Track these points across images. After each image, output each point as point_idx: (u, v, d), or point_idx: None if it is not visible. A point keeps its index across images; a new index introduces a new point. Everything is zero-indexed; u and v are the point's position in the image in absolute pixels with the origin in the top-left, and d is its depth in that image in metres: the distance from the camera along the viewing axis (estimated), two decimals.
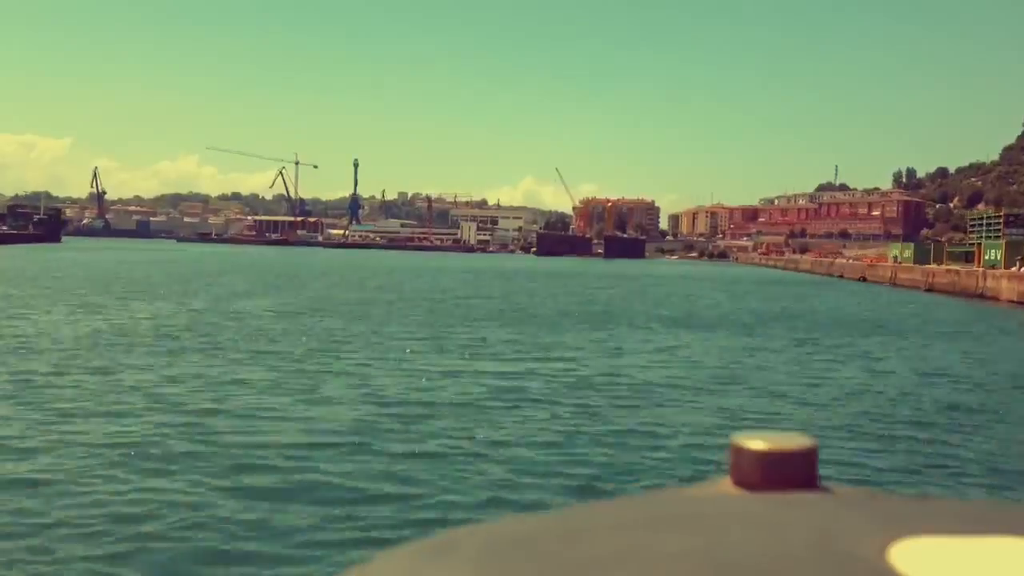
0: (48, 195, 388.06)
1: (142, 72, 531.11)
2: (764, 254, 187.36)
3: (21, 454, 11.15)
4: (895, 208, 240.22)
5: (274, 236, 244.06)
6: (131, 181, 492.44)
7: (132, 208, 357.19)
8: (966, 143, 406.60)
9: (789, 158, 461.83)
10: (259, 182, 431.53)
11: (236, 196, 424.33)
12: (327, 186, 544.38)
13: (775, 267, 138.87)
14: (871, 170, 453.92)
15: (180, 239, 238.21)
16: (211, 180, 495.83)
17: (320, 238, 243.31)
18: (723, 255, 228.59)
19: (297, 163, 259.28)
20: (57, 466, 10.61)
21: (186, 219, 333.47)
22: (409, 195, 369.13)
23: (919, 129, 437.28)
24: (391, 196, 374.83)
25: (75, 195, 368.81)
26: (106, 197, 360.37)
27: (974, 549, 0.45)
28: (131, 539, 8.25)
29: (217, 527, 8.59)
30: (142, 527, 8.58)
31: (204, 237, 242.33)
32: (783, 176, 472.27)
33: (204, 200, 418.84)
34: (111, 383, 16.23)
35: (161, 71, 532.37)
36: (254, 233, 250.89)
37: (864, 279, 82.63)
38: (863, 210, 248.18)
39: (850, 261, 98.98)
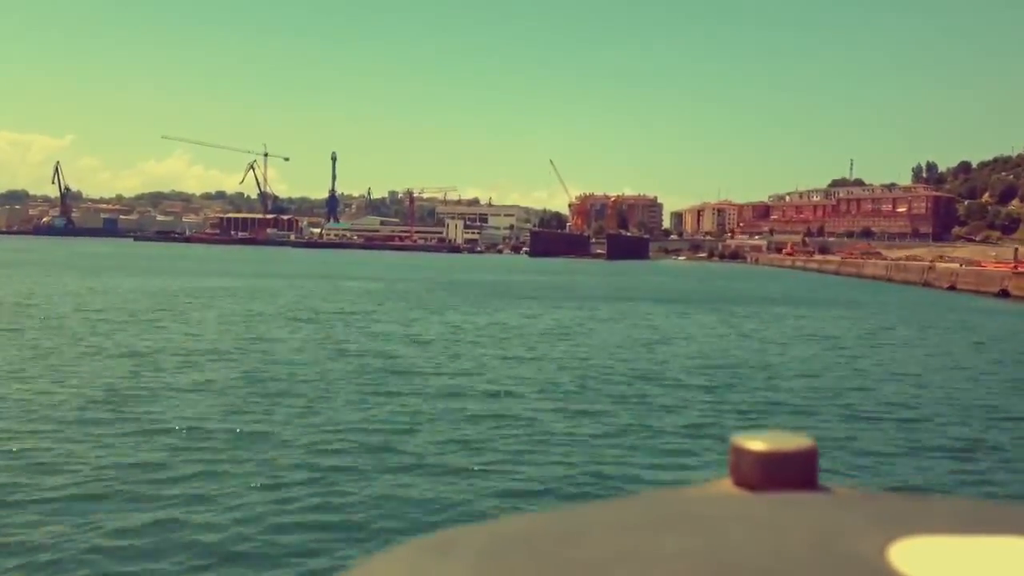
0: (26, 193, 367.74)
1: (139, 73, 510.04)
2: (790, 254, 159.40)
3: None
4: (923, 204, 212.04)
5: (242, 235, 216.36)
6: (116, 180, 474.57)
7: (105, 207, 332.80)
8: (982, 136, 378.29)
9: (798, 153, 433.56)
10: (247, 181, 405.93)
11: (220, 195, 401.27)
12: (316, 185, 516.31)
13: (818, 271, 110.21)
14: (887, 165, 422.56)
15: (138, 238, 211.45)
16: (197, 179, 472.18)
17: (292, 237, 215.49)
18: (735, 255, 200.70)
19: (266, 155, 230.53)
20: None
21: (159, 218, 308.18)
22: (399, 194, 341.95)
23: (935, 122, 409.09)
24: (380, 194, 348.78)
25: (55, 194, 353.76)
26: (85, 195, 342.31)
27: (974, 549, 0.43)
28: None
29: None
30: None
31: (165, 236, 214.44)
32: (793, 172, 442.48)
33: (186, 199, 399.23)
34: None
35: (159, 72, 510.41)
36: (218, 232, 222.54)
37: (1005, 293, 54.59)
38: (887, 206, 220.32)
39: (962, 267, 70.58)
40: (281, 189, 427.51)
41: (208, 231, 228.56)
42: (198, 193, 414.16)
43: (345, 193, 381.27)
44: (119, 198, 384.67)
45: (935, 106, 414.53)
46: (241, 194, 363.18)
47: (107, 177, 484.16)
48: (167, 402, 14.19)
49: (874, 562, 0.42)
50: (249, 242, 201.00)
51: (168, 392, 15.01)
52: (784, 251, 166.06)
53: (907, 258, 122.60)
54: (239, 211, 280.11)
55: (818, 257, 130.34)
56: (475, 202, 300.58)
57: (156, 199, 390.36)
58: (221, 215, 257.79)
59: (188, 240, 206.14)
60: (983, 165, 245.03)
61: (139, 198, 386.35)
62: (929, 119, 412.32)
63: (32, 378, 16.09)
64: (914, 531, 0.46)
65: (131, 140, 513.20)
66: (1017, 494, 10.31)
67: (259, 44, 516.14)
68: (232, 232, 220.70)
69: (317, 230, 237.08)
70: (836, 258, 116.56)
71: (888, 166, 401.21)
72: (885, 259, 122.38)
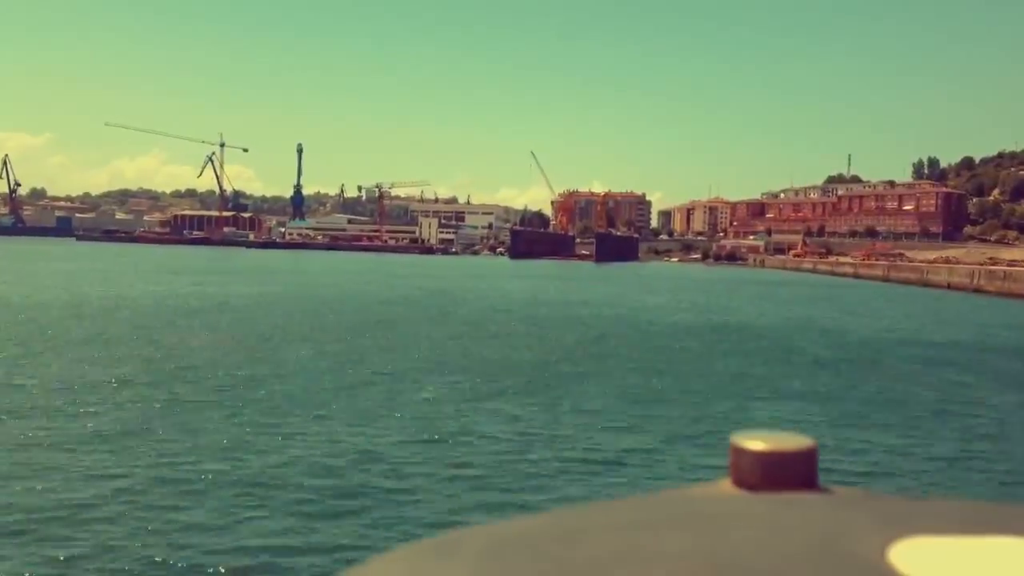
0: None
1: (120, 71, 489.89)
2: (799, 255, 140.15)
3: None
4: (932, 202, 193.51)
5: (196, 234, 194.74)
6: (90, 178, 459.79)
7: (65, 204, 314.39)
8: (981, 132, 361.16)
9: (791, 149, 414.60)
10: (206, 175, 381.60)
11: (191, 193, 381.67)
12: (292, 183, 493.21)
13: (853, 276, 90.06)
14: (885, 161, 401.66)
15: (80, 238, 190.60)
16: (173, 178, 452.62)
17: (252, 236, 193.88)
18: (732, 257, 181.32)
19: (222, 145, 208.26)
20: None
21: (119, 216, 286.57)
22: (377, 190, 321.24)
23: (931, 118, 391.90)
24: (354, 192, 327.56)
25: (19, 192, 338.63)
26: (52, 193, 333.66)
27: (974, 549, 0.43)
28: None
29: None
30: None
31: (110, 235, 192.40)
32: (786, 168, 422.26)
33: (154, 197, 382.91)
34: None
35: (141, 71, 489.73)
36: (168, 230, 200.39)
37: None
38: (892, 204, 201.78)
39: None
40: (256, 187, 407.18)
41: (158, 230, 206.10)
42: (168, 191, 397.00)
43: (322, 192, 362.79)
44: (86, 195, 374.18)
45: (931, 102, 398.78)
46: (213, 192, 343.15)
47: (83, 175, 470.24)
48: None
49: (874, 562, 0.41)
50: (203, 242, 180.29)
51: None
52: (792, 252, 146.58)
53: (939, 260, 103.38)
54: (208, 209, 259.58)
55: (852, 259, 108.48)
56: (453, 200, 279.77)
57: (123, 197, 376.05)
58: (178, 213, 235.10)
59: (135, 240, 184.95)
60: (986, 161, 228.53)
61: (105, 196, 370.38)
62: (925, 114, 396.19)
63: None
64: (914, 531, 0.45)
65: (109, 139, 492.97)
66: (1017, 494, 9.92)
67: (244, 43, 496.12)
68: (185, 231, 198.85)
69: (284, 229, 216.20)
70: (880, 262, 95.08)
71: (885, 162, 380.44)
72: (912, 260, 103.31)
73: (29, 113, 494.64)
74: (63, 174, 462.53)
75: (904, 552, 0.42)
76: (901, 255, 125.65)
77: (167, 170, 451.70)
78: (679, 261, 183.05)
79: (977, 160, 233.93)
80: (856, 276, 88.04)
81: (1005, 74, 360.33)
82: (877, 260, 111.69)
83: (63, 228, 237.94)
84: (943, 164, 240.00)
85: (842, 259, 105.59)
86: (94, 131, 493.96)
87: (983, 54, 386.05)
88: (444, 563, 0.43)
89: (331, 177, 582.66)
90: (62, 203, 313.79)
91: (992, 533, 0.45)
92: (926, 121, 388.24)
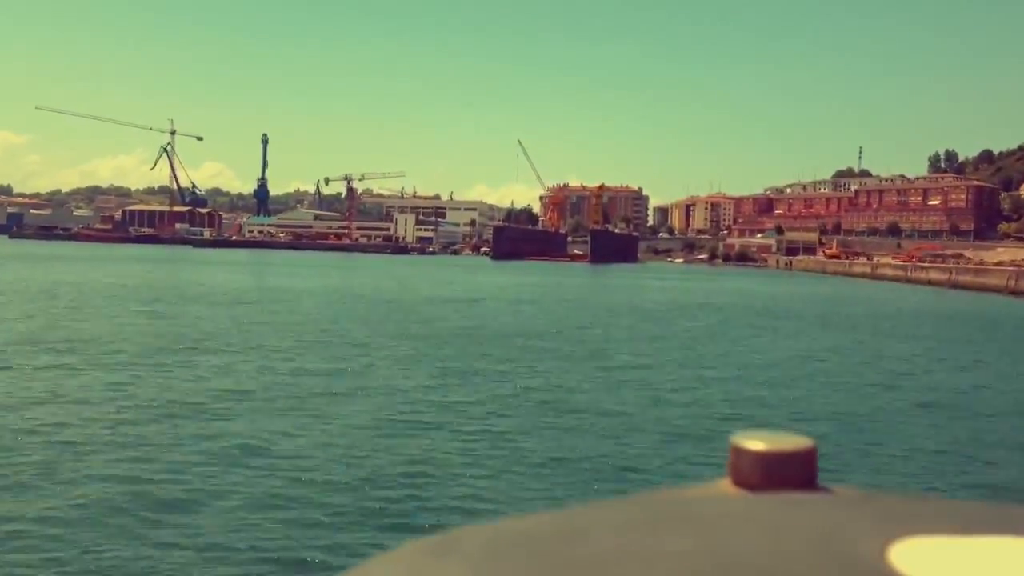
0: None
1: (103, 71, 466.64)
2: (833, 256, 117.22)
3: None
4: (962, 196, 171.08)
5: (144, 231, 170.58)
6: (71, 176, 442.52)
7: (20, 201, 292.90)
8: (993, 125, 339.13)
9: (795, 144, 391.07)
10: (196, 176, 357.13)
11: (164, 190, 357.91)
12: (274, 180, 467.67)
13: (948, 285, 66.48)
14: (893, 154, 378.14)
15: (13, 235, 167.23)
16: (148, 176, 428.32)
17: (208, 234, 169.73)
18: (743, 257, 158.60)
19: (173, 132, 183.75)
20: None
21: (77, 213, 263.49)
22: (347, 185, 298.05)
23: (938, 111, 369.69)
24: (324, 187, 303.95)
25: None
26: (22, 191, 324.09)
27: (974, 549, 0.42)
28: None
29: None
30: None
31: (47, 232, 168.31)
32: (790, 163, 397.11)
33: (124, 194, 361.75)
34: None
35: (121, 70, 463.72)
36: (110, 227, 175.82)
37: None
38: (916, 199, 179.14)
39: None
40: (235, 185, 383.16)
41: (99, 227, 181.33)
42: (141, 188, 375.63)
43: (302, 189, 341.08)
44: (55, 192, 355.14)
45: (940, 95, 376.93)
46: (186, 188, 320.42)
47: (62, 174, 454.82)
48: None
49: (874, 562, 0.40)
50: (150, 240, 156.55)
51: None
52: (827, 253, 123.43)
53: (1016, 262, 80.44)
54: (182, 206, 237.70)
55: (937, 264, 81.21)
56: (436, 198, 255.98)
57: (92, 194, 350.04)
58: (126, 208, 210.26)
59: (73, 237, 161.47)
60: (1006, 154, 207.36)
61: (74, 193, 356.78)
62: (934, 108, 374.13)
63: None
64: (914, 531, 0.44)
65: (90, 137, 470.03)
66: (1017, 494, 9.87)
67: (226, 39, 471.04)
68: (132, 228, 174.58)
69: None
70: (1003, 267, 69.85)
71: (894, 156, 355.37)
72: (984, 263, 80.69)
73: (14, 112, 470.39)
74: (44, 172, 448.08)
75: (904, 552, 0.42)
76: (960, 255, 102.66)
77: (145, 169, 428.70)
78: (683, 262, 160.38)
79: (996, 153, 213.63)
80: (953, 285, 63.85)
81: (1017, 67, 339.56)
82: (923, 262, 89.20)
83: (12, 226, 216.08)
84: (960, 158, 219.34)
85: (927, 265, 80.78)
86: (75, 130, 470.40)
87: (992, 46, 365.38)
88: (444, 563, 0.42)
89: (313, 174, 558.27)
90: (23, 200, 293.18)
91: (992, 533, 0.44)
92: (936, 114, 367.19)
